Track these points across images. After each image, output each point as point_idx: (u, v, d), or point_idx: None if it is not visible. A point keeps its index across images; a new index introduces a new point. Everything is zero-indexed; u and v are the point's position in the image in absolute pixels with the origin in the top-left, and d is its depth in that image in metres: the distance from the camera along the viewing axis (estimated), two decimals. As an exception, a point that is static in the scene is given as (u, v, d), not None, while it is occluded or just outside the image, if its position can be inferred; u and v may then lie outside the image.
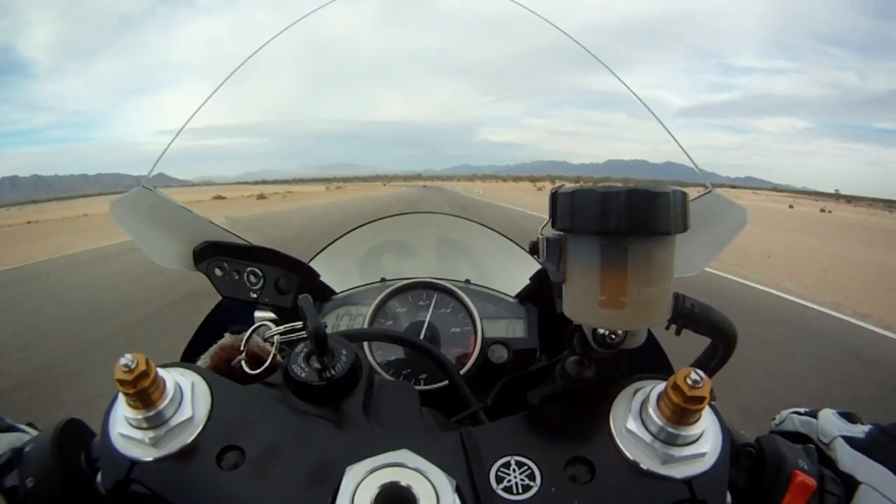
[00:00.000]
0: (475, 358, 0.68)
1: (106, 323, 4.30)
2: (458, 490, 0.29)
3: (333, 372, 0.36)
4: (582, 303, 0.34)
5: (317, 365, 0.36)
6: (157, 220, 0.61)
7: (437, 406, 0.45)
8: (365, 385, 0.37)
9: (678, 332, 0.40)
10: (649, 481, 0.30)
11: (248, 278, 0.66)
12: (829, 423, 0.39)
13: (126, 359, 0.30)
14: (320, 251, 0.93)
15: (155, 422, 0.31)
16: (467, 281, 0.81)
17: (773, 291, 6.11)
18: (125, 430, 0.32)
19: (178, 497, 0.30)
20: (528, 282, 0.76)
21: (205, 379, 0.35)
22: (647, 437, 0.31)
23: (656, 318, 0.34)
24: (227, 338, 0.45)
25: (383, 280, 0.81)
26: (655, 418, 0.31)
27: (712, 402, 0.32)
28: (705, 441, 0.31)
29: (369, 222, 1.02)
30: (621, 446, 0.32)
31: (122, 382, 0.30)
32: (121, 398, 0.32)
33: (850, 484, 0.34)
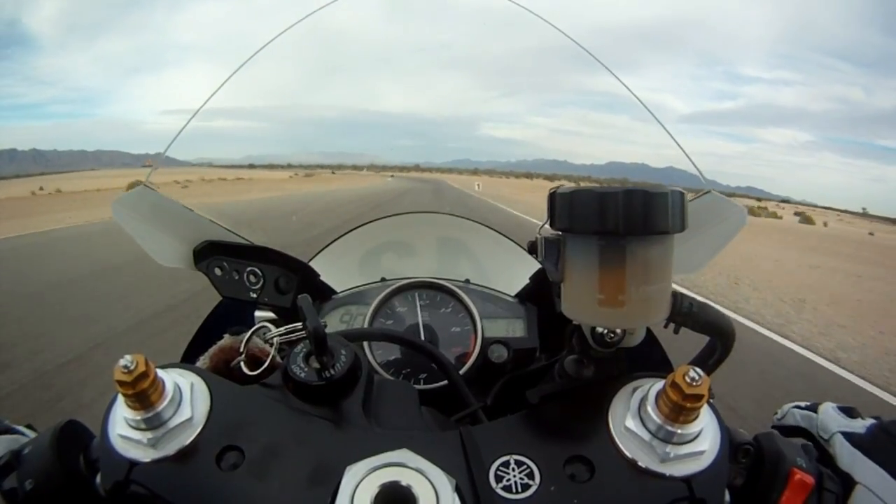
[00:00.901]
0: (475, 357, 0.68)
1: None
2: (457, 489, 0.29)
3: (333, 372, 0.36)
4: (581, 302, 0.34)
5: (316, 365, 0.36)
6: (158, 218, 0.61)
7: (437, 405, 0.45)
8: (364, 385, 0.37)
9: (676, 331, 0.40)
10: (648, 479, 0.30)
11: (248, 278, 0.66)
12: (829, 417, 0.39)
13: (125, 360, 0.30)
14: (320, 251, 0.93)
15: (154, 423, 0.31)
16: (467, 281, 0.81)
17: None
18: (124, 431, 0.32)
19: (177, 498, 0.30)
20: (527, 281, 0.76)
21: (204, 380, 0.35)
22: (646, 436, 0.31)
23: (655, 317, 0.34)
24: (227, 339, 0.45)
25: (383, 280, 0.81)
26: (654, 416, 0.31)
27: (711, 400, 0.32)
28: (704, 439, 0.31)
29: (369, 222, 1.02)
30: (620, 445, 0.32)
31: (121, 383, 0.30)
32: (120, 399, 0.32)
33: (847, 482, 0.34)
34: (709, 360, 0.43)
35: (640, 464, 0.31)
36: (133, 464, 0.31)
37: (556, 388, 0.39)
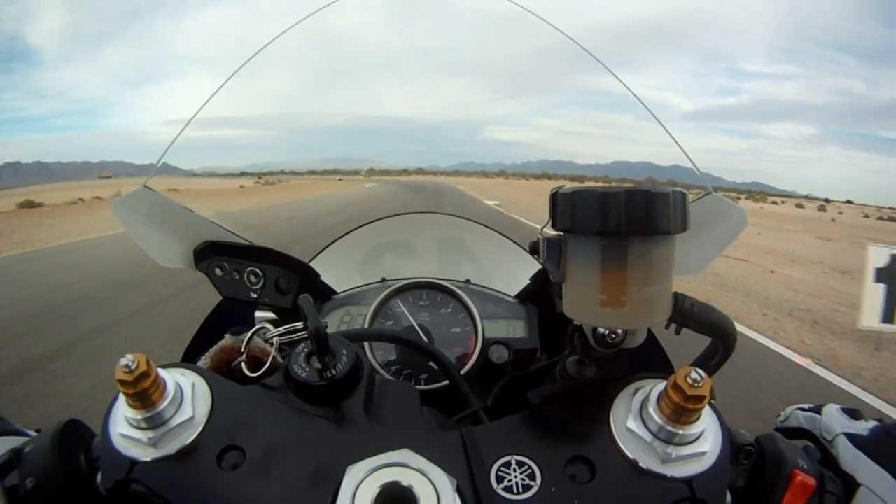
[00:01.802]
0: (475, 358, 0.68)
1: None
2: (458, 490, 0.29)
3: (334, 372, 0.36)
4: (582, 302, 0.34)
5: (317, 365, 0.36)
6: (159, 219, 0.61)
7: (438, 406, 0.45)
8: (366, 385, 0.37)
9: (678, 332, 0.40)
10: (649, 480, 0.30)
11: (249, 278, 0.66)
12: (833, 419, 0.39)
13: (126, 359, 0.30)
14: (321, 251, 0.93)
15: (155, 422, 0.31)
16: (468, 281, 0.81)
17: None
18: (125, 430, 0.32)
19: (178, 497, 0.30)
20: (528, 282, 0.76)
21: (205, 379, 0.35)
22: (648, 437, 0.31)
23: (656, 317, 0.34)
24: (228, 339, 0.45)
25: (384, 280, 0.81)
26: (656, 417, 0.31)
27: (712, 402, 0.32)
28: (705, 440, 0.31)
29: (370, 222, 1.02)
30: (621, 445, 0.32)
31: (122, 383, 0.30)
32: (121, 398, 0.32)
33: (850, 484, 0.34)
34: (710, 361, 0.43)
35: (641, 465, 0.31)
36: (134, 463, 0.31)
37: (557, 389, 0.39)
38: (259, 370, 0.41)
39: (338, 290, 0.79)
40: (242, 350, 0.43)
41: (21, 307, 4.28)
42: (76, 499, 0.33)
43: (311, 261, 0.83)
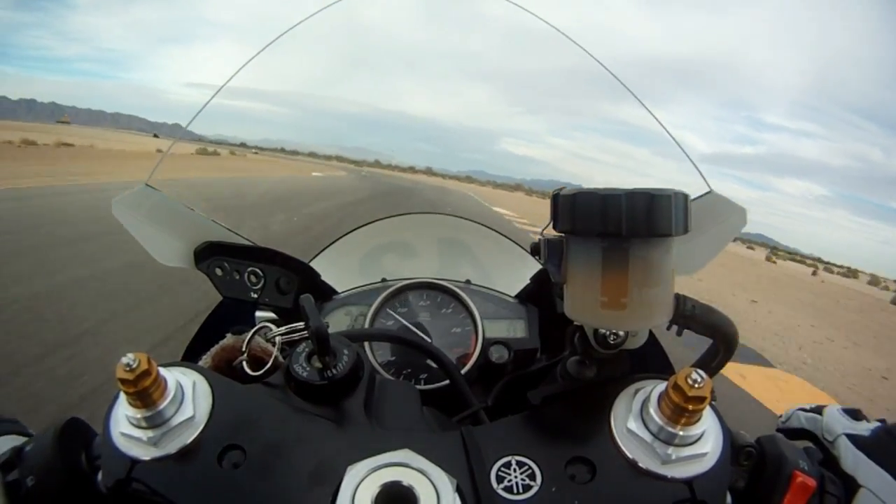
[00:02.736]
0: (476, 358, 0.68)
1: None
2: (458, 490, 0.29)
3: (335, 371, 0.36)
4: (583, 303, 0.34)
5: (318, 364, 0.36)
6: (159, 218, 0.61)
7: (438, 406, 0.46)
8: (366, 385, 0.37)
9: (679, 333, 0.40)
10: (650, 481, 0.30)
11: (249, 278, 0.66)
12: (834, 420, 0.39)
13: (127, 358, 0.30)
14: (321, 251, 0.93)
15: (156, 421, 0.31)
16: (468, 281, 0.81)
17: None
18: (126, 429, 0.32)
19: (179, 496, 0.30)
20: (528, 282, 0.76)
21: (206, 378, 0.35)
22: (648, 437, 0.31)
23: (657, 319, 0.34)
24: (229, 338, 0.45)
25: (384, 280, 0.81)
26: (656, 418, 0.31)
27: (713, 403, 0.32)
28: (706, 441, 0.31)
29: (370, 222, 1.02)
30: (622, 446, 0.32)
31: (123, 381, 0.30)
32: (122, 397, 0.32)
33: (850, 485, 0.34)
34: (711, 362, 0.43)
35: (641, 465, 0.31)
36: (135, 462, 0.31)
37: (557, 389, 0.39)
38: (260, 370, 0.41)
39: (338, 290, 0.79)
40: (243, 349, 0.43)
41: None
42: (77, 497, 0.33)
43: (311, 260, 0.83)
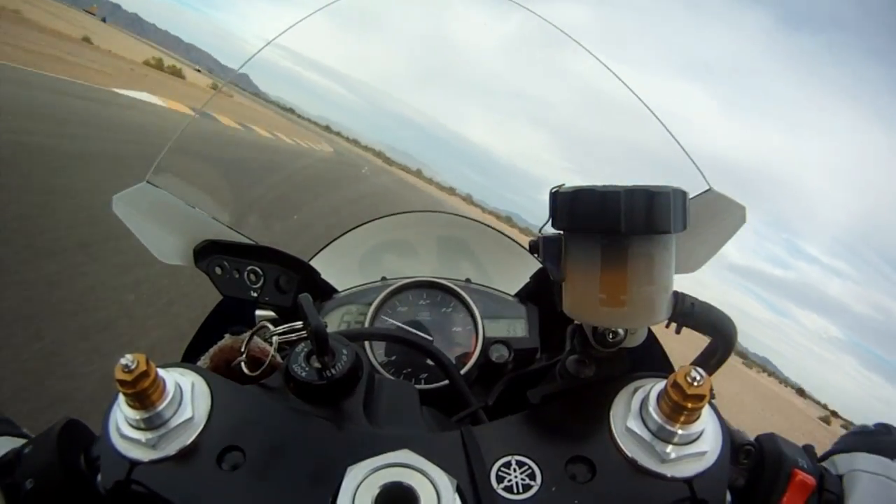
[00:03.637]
0: (476, 357, 0.67)
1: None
2: (458, 490, 0.29)
3: (334, 371, 0.36)
4: (582, 301, 0.34)
5: (317, 364, 0.36)
6: (159, 216, 0.61)
7: (438, 406, 0.45)
8: (365, 384, 0.37)
9: (678, 331, 0.40)
10: (649, 480, 0.30)
11: (248, 277, 0.66)
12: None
13: (126, 359, 0.30)
14: (321, 249, 0.93)
15: (155, 422, 0.31)
16: (468, 280, 0.81)
17: None
18: (125, 430, 0.32)
19: (178, 498, 0.30)
20: (528, 281, 0.76)
21: (205, 379, 0.35)
22: (648, 436, 0.31)
23: (656, 317, 0.34)
24: (227, 339, 0.45)
25: (384, 279, 0.81)
26: (656, 417, 0.31)
27: (712, 401, 0.32)
28: (705, 440, 0.31)
29: (370, 221, 1.02)
30: (622, 445, 0.32)
31: (121, 383, 0.30)
32: (121, 398, 0.32)
33: (843, 483, 0.34)
34: (710, 360, 0.43)
35: (641, 464, 0.31)
36: (134, 463, 0.31)
37: (557, 388, 0.39)
38: (259, 370, 0.41)
39: (338, 288, 0.79)
40: (242, 350, 0.43)
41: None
42: (76, 499, 0.33)
43: (311, 259, 0.83)
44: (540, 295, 0.75)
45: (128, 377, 0.30)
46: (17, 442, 0.36)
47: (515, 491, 0.30)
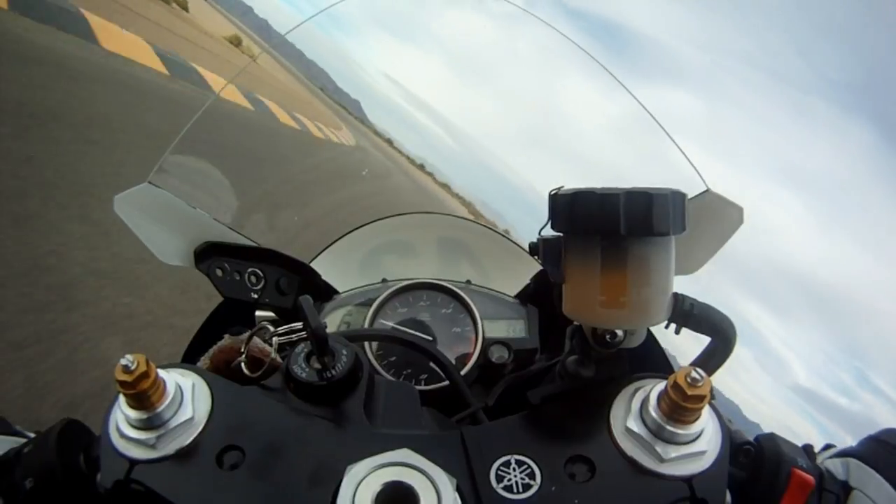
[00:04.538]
0: (476, 358, 0.68)
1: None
2: (458, 489, 0.29)
3: (334, 372, 0.36)
4: (582, 303, 0.34)
5: (317, 365, 0.36)
6: (161, 216, 0.61)
7: (438, 406, 0.45)
8: (365, 385, 0.37)
9: (678, 332, 0.40)
10: (649, 480, 0.30)
11: (249, 279, 0.66)
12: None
13: (126, 360, 0.30)
14: (321, 251, 0.93)
15: (155, 422, 0.31)
16: (468, 281, 0.81)
17: None
18: (125, 430, 0.32)
19: (177, 497, 0.30)
20: (528, 282, 0.76)
21: (205, 380, 0.35)
22: (647, 436, 0.31)
23: (656, 318, 0.34)
24: (227, 339, 0.45)
25: (384, 280, 0.81)
26: (655, 417, 0.31)
27: (712, 401, 0.32)
28: (705, 440, 0.31)
29: (370, 222, 1.02)
30: (621, 445, 0.32)
31: (122, 383, 0.30)
32: (121, 399, 0.32)
33: (844, 488, 0.34)
34: (710, 361, 0.43)
35: (641, 464, 0.31)
36: (133, 463, 0.31)
37: (557, 389, 0.39)
38: (259, 370, 0.41)
39: (339, 289, 0.79)
40: (242, 350, 0.43)
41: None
42: (76, 499, 0.33)
43: (311, 261, 0.83)
44: (540, 296, 0.75)
45: (128, 378, 0.30)
46: (17, 441, 0.36)
47: (515, 490, 0.30)
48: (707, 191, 0.57)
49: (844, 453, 0.36)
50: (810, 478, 0.33)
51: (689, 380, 0.29)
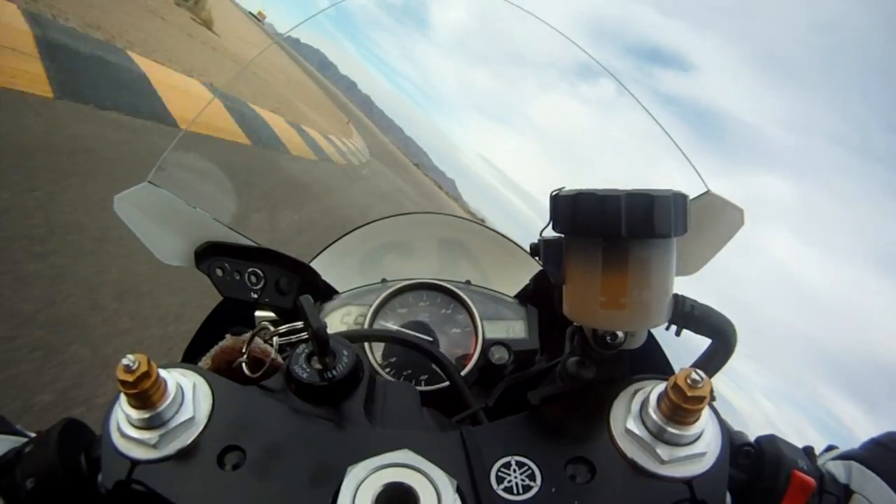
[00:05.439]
0: (476, 359, 0.68)
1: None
2: (458, 490, 0.29)
3: (335, 372, 0.36)
4: (583, 304, 0.34)
5: (318, 365, 0.36)
6: (161, 216, 0.61)
7: (438, 407, 0.46)
8: (366, 386, 0.37)
9: (678, 333, 0.40)
10: (649, 481, 0.30)
11: (249, 279, 0.67)
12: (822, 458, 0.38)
13: (128, 359, 0.30)
14: (321, 251, 0.93)
15: (156, 422, 0.31)
16: (468, 282, 0.81)
17: None
18: (126, 430, 0.32)
19: (178, 497, 0.30)
20: (528, 283, 0.76)
21: (206, 380, 0.35)
22: (647, 437, 0.31)
23: (656, 319, 0.34)
24: (228, 339, 0.45)
25: (384, 280, 0.81)
26: (655, 418, 0.31)
27: (712, 403, 0.32)
28: (705, 441, 0.31)
29: (370, 222, 1.02)
30: (621, 446, 0.32)
31: (123, 383, 0.30)
32: (122, 398, 0.32)
33: (845, 492, 0.34)
34: (710, 362, 0.43)
35: (641, 465, 0.31)
36: (135, 463, 0.31)
37: (557, 390, 0.39)
38: (260, 370, 0.41)
39: (339, 290, 0.79)
40: (243, 350, 0.43)
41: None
42: (76, 499, 0.33)
43: (311, 261, 0.83)
44: (540, 297, 0.75)
45: (129, 377, 0.30)
46: (17, 441, 0.36)
47: (515, 491, 0.30)
48: (708, 192, 0.57)
49: (846, 456, 0.36)
50: (811, 480, 0.33)
51: (689, 381, 0.29)
